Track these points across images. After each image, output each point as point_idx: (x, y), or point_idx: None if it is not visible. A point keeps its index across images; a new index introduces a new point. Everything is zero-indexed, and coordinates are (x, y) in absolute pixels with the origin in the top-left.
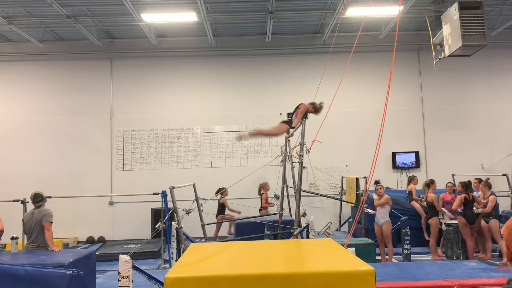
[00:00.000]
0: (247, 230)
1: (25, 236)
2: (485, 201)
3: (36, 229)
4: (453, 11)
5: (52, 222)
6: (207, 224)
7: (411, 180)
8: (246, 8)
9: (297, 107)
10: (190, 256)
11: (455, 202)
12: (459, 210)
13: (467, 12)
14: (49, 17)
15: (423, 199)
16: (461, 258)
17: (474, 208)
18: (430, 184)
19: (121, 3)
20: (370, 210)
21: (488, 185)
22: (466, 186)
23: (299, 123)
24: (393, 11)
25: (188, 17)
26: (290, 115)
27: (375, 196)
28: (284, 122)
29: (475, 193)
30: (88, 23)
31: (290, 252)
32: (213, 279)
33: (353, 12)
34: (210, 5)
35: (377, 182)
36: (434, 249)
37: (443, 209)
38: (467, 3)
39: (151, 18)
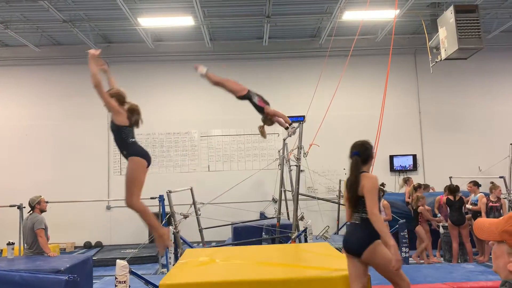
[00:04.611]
0: (245, 234)
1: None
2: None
3: (31, 236)
4: (449, 15)
5: (44, 228)
6: (205, 228)
7: (406, 181)
8: (243, 12)
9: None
10: (186, 262)
11: (435, 203)
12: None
13: (463, 16)
14: (46, 22)
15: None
16: (459, 261)
17: (469, 207)
18: (417, 188)
19: (118, 7)
20: None
21: (477, 185)
22: (450, 189)
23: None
24: (389, 15)
25: (185, 21)
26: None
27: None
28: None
29: (472, 196)
30: (85, 27)
31: (286, 257)
32: (207, 285)
33: (349, 16)
34: (207, 9)
35: (382, 185)
36: (431, 252)
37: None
38: (463, 6)
39: (148, 22)
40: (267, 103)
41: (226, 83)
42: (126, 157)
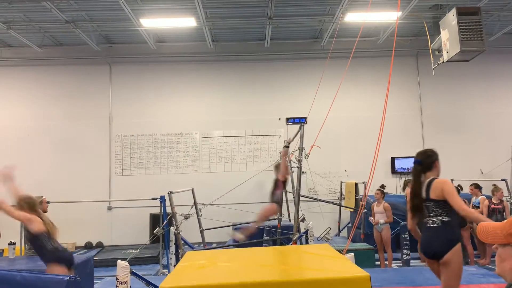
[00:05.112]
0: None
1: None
2: (500, 206)
3: None
4: (451, 17)
5: None
6: (206, 229)
7: (407, 184)
8: (245, 13)
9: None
10: (186, 264)
11: None
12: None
13: (465, 18)
14: (48, 22)
15: None
16: None
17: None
18: (408, 183)
19: (120, 8)
20: (372, 219)
21: (479, 187)
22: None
23: (285, 168)
24: (392, 17)
25: (187, 22)
26: (287, 143)
27: (374, 208)
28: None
29: (474, 199)
30: (87, 28)
31: (286, 258)
32: (209, 287)
33: (351, 18)
34: (209, 11)
35: (382, 186)
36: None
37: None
38: (465, 8)
39: (150, 23)
40: (277, 184)
41: (262, 219)
42: (45, 263)
